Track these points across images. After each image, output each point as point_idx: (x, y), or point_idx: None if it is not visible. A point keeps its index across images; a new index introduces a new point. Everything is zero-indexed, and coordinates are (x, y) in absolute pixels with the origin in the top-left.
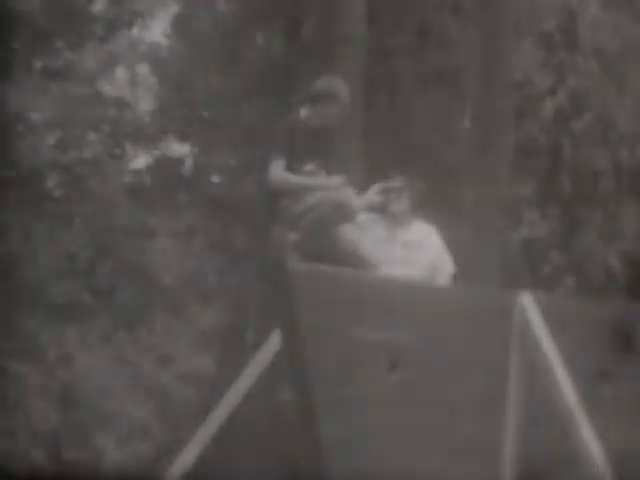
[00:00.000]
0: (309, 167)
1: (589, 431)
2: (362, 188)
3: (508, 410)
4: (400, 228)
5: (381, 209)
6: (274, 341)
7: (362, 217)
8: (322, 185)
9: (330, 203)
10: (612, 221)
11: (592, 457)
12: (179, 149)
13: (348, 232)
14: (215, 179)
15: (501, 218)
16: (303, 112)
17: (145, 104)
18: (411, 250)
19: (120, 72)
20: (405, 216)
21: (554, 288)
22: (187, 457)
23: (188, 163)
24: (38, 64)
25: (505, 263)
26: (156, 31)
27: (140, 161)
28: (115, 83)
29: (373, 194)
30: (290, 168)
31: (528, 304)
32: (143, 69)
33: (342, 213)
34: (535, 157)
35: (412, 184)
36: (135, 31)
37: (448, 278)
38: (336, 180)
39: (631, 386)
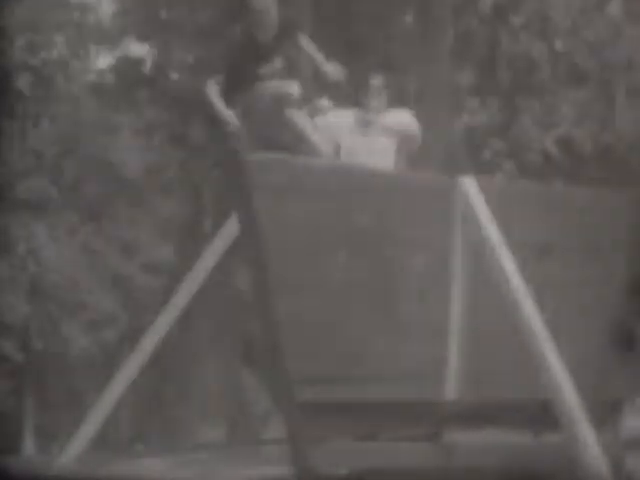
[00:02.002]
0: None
1: (531, 305)
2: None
3: (453, 290)
4: (372, 118)
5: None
6: (230, 228)
7: (329, 109)
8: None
9: (273, 92)
10: (549, 108)
11: (534, 331)
12: (139, 49)
13: (297, 121)
14: (174, 76)
15: (443, 107)
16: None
17: (107, 7)
18: (380, 140)
19: None
20: (381, 109)
21: (494, 172)
22: (149, 342)
23: (148, 62)
24: None
25: (447, 149)
26: None
27: (103, 61)
28: None
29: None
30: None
31: (470, 187)
32: None
33: (285, 101)
34: (475, 49)
35: (390, 82)
36: None
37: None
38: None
39: (575, 261)
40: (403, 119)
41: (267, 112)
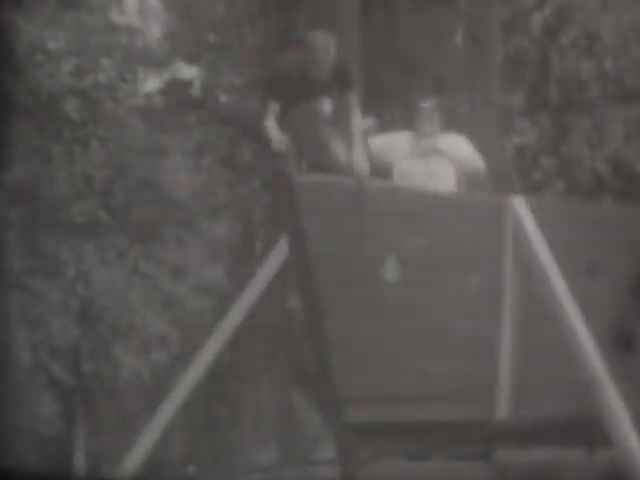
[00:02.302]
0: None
1: (581, 324)
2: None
3: (504, 309)
4: (428, 142)
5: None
6: (281, 250)
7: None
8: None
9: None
10: (598, 127)
11: (584, 350)
12: (188, 72)
13: (327, 140)
14: (222, 99)
15: (494, 127)
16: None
17: (154, 30)
18: (439, 163)
19: (130, 1)
20: (434, 132)
21: (545, 192)
22: (200, 364)
23: (196, 84)
24: None
25: (498, 169)
26: None
27: (151, 84)
28: (125, 11)
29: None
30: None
31: (520, 207)
32: None
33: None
34: (524, 68)
35: (442, 104)
36: None
37: (482, 181)
38: None
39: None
40: (463, 148)
41: (308, 132)
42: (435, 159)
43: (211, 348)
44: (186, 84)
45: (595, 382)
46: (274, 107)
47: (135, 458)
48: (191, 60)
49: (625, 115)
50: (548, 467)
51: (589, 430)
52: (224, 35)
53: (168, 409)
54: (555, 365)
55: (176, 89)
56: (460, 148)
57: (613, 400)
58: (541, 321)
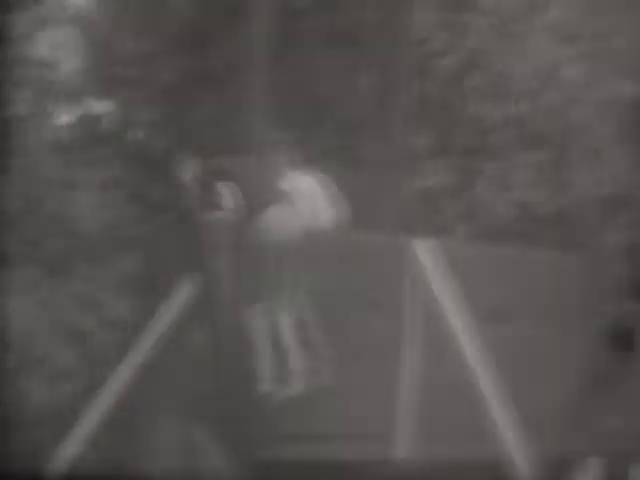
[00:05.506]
0: None
1: (482, 368)
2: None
3: (405, 350)
4: (280, 180)
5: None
6: (186, 287)
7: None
8: None
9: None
10: (504, 171)
11: (484, 393)
12: (99, 107)
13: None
14: (133, 135)
15: (397, 169)
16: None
17: (67, 64)
18: (288, 200)
19: (44, 34)
20: (284, 169)
21: (449, 235)
22: (105, 397)
23: (108, 120)
24: None
25: (401, 212)
26: None
27: (63, 118)
28: (39, 45)
29: None
30: None
31: (422, 250)
32: (66, 31)
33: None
34: (430, 112)
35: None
36: None
37: (329, 224)
38: None
39: (528, 323)
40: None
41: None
42: (287, 197)
43: (116, 382)
44: (97, 119)
45: (494, 425)
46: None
47: None
48: (104, 95)
49: (532, 160)
50: None
51: (489, 473)
52: (138, 70)
53: (73, 442)
54: (456, 407)
55: (87, 124)
56: (310, 189)
57: (512, 444)
58: (442, 363)
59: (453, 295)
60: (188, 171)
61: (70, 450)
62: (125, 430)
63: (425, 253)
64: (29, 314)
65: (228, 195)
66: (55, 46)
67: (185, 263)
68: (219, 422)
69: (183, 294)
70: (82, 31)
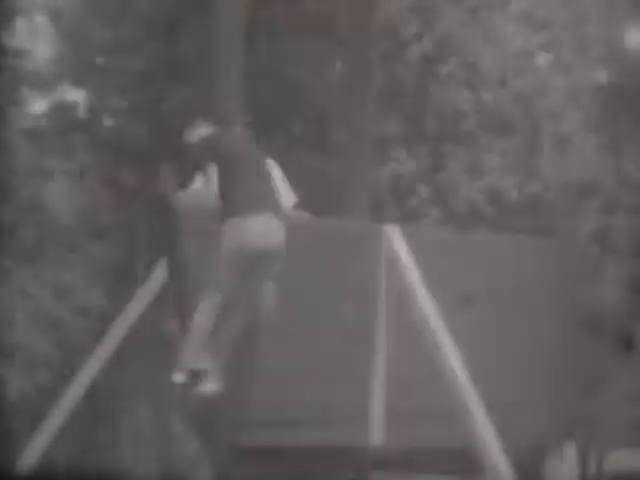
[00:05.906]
0: None
1: (453, 352)
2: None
3: (377, 336)
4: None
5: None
6: (160, 274)
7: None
8: None
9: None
10: (475, 157)
11: (455, 378)
12: (74, 94)
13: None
14: (107, 122)
15: (369, 155)
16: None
17: (42, 52)
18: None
19: (19, 23)
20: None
21: (420, 220)
22: (80, 384)
23: (82, 107)
24: None
25: (374, 198)
26: None
27: (38, 106)
28: (14, 33)
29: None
30: None
31: (394, 235)
32: (41, 20)
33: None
34: (402, 98)
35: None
36: None
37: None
38: None
39: (498, 309)
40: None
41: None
42: None
43: (90, 369)
44: (72, 107)
45: (466, 411)
46: None
47: (18, 476)
48: (78, 83)
49: (502, 146)
50: None
51: (461, 458)
52: (111, 59)
53: (49, 429)
54: (428, 392)
55: (62, 111)
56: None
57: (483, 429)
58: (414, 348)
59: (425, 280)
60: (161, 156)
61: (44, 437)
62: (99, 417)
63: (397, 238)
64: (6, 302)
65: (201, 178)
66: (29, 35)
67: (159, 249)
68: (192, 407)
69: (157, 280)
70: (56, 20)
